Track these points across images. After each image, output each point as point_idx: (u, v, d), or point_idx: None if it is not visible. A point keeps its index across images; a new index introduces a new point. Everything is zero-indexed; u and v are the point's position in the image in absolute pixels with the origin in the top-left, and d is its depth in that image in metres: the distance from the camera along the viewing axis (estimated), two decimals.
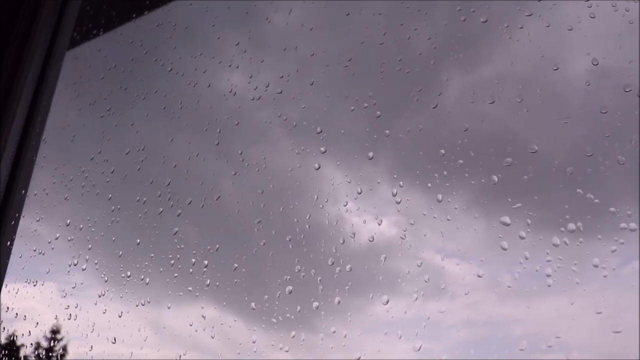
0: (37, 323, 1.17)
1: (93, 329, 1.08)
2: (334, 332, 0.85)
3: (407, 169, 0.92)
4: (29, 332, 1.17)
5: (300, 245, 0.94)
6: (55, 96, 1.25)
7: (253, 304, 0.93)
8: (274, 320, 0.90)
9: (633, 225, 0.69)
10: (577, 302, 0.69)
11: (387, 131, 0.94)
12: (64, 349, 1.20)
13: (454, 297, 0.80)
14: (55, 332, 1.22)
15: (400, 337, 0.80)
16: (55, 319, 1.15)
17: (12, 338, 1.20)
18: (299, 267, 0.91)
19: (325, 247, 0.92)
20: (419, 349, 0.78)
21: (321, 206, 0.96)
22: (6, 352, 1.25)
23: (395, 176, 0.91)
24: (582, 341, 0.68)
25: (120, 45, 1.40)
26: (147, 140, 1.23)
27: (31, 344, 1.21)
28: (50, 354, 1.26)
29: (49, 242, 1.24)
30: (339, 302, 0.87)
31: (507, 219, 0.78)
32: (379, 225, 0.90)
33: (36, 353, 1.26)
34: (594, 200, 0.73)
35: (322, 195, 0.97)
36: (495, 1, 0.94)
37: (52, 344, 1.24)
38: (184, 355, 0.95)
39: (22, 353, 1.24)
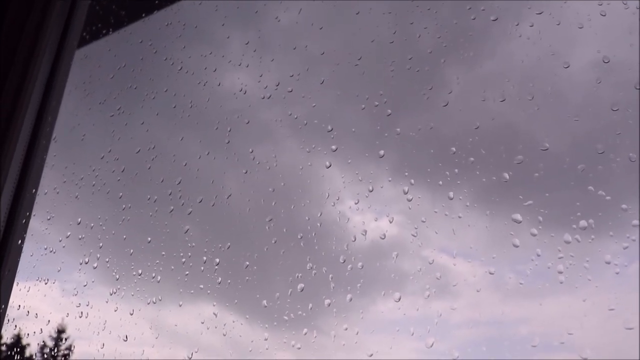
0: (49, 321, 1.17)
1: (104, 327, 1.08)
2: (346, 329, 0.86)
3: (418, 166, 0.92)
4: (41, 330, 1.17)
5: (312, 243, 0.94)
6: (65, 95, 1.24)
7: (265, 302, 0.93)
8: (286, 317, 0.90)
9: None
10: (589, 299, 0.69)
11: (398, 129, 0.94)
12: (69, 348, 1.20)
13: (466, 294, 0.81)
14: (61, 331, 1.22)
15: (412, 334, 0.81)
16: (67, 316, 1.15)
17: (25, 335, 1.20)
18: (311, 264, 0.92)
19: (337, 244, 0.92)
20: (431, 346, 0.78)
21: (332, 204, 0.96)
22: (18, 349, 1.26)
23: (406, 174, 0.92)
24: (595, 338, 0.68)
25: (130, 44, 1.41)
26: (157, 139, 1.23)
27: (43, 342, 1.22)
28: (56, 353, 1.27)
29: (60, 241, 1.24)
30: (350, 300, 0.87)
31: (518, 217, 0.78)
32: (390, 222, 0.90)
33: (46, 352, 1.26)
34: (606, 198, 0.73)
35: (333, 193, 0.97)
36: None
37: (58, 342, 1.24)
38: (196, 352, 0.96)
39: (33, 351, 1.24)
